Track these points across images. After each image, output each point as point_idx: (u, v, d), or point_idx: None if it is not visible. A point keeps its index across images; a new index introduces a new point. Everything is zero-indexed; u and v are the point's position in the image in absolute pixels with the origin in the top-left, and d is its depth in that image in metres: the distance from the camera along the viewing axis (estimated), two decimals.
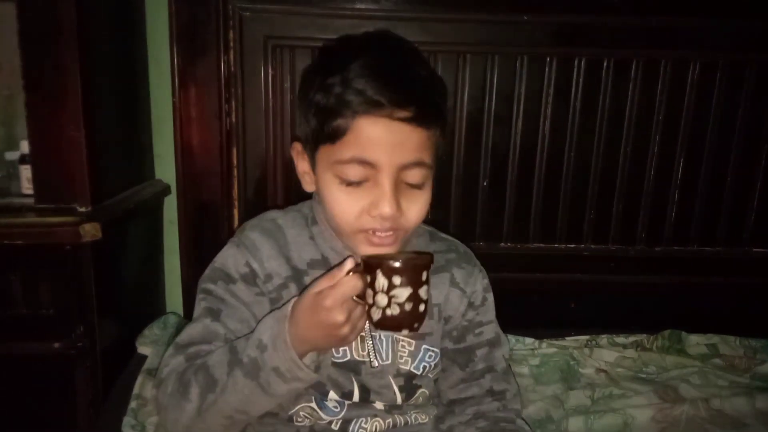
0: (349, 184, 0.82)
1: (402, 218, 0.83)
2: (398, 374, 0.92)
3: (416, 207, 0.85)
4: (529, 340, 1.43)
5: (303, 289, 0.87)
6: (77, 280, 1.12)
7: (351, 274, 0.75)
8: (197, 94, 1.37)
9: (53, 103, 1.10)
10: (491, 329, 1.00)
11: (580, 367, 1.36)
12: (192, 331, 0.88)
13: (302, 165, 0.91)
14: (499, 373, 0.98)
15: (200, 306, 0.90)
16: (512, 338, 1.42)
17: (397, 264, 0.74)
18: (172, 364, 0.86)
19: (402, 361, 0.92)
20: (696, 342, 1.44)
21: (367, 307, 0.76)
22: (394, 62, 0.85)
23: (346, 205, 0.83)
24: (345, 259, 0.77)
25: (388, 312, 0.74)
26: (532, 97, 1.44)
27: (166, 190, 1.49)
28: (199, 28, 1.33)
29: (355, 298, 0.76)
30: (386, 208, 0.80)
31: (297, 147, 0.92)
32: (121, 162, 1.33)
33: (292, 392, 0.81)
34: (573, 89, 1.44)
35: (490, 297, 1.01)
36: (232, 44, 1.36)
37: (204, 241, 1.44)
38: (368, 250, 0.84)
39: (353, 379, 0.91)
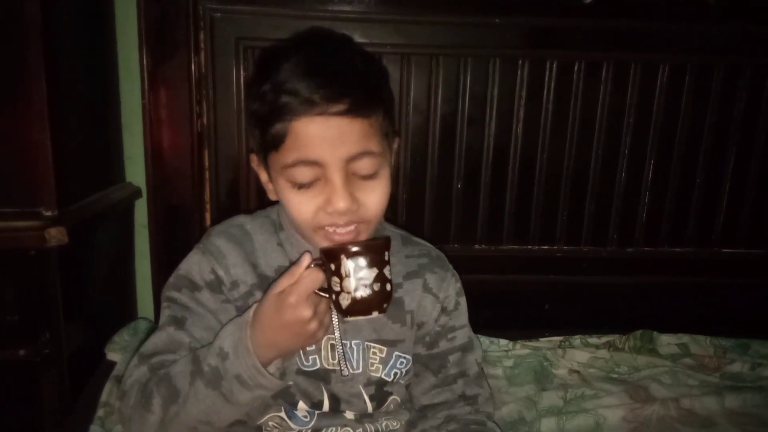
0: (301, 186, 0.81)
1: (361, 209, 0.82)
2: (369, 383, 0.92)
3: (373, 196, 0.83)
4: (503, 342, 1.44)
5: None
6: (42, 285, 1.10)
7: (311, 267, 0.75)
8: (167, 96, 1.35)
9: (17, 104, 1.07)
10: (464, 334, 0.99)
11: (553, 368, 1.36)
12: (156, 340, 0.87)
13: (263, 175, 0.90)
14: (472, 378, 0.98)
15: (164, 314, 0.88)
16: (486, 340, 1.42)
17: (359, 247, 0.75)
18: (136, 374, 0.84)
19: (373, 368, 0.92)
20: (667, 342, 1.46)
21: (334, 297, 0.76)
22: (323, 58, 0.85)
23: (301, 206, 0.82)
24: (301, 255, 0.77)
25: (358, 295, 0.74)
26: (504, 99, 1.44)
27: (137, 193, 1.46)
28: (169, 28, 1.31)
29: (318, 291, 0.76)
30: (340, 203, 0.80)
31: (254, 159, 0.91)
32: (90, 164, 1.31)
33: (256, 400, 0.80)
34: (545, 91, 1.45)
35: (463, 301, 1.01)
36: (202, 45, 1.34)
37: (175, 244, 1.42)
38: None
39: (323, 389, 0.90)
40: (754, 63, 1.47)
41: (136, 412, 0.82)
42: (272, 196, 0.91)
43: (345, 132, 0.79)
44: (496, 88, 1.43)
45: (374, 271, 0.75)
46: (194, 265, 0.89)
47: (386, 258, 0.77)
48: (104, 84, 1.38)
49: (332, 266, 0.75)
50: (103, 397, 1.14)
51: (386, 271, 0.76)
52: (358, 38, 1.36)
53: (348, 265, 0.74)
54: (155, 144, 1.37)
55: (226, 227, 0.93)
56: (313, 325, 0.76)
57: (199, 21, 1.33)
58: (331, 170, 0.80)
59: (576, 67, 1.44)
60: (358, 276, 0.74)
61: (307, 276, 0.75)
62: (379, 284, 0.75)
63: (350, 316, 0.76)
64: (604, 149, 1.49)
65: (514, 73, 1.43)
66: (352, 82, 0.81)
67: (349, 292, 0.74)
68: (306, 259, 0.76)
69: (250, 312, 0.79)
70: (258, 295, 0.88)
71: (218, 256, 0.88)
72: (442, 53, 1.41)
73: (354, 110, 0.79)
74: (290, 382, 0.87)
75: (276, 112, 0.80)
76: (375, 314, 0.76)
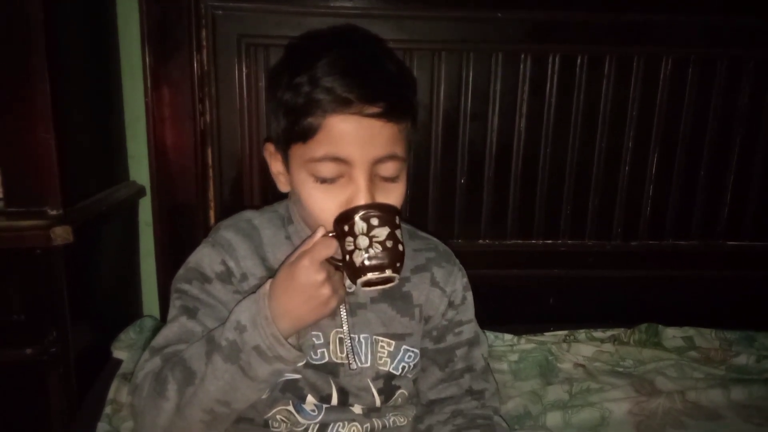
0: (324, 181, 0.82)
1: None
2: (377, 376, 0.92)
3: (392, 200, 0.84)
4: (508, 337, 1.44)
5: None
6: (49, 284, 1.10)
7: (325, 237, 0.77)
8: (170, 94, 1.35)
9: (22, 104, 1.07)
10: (471, 328, 1.00)
11: (558, 362, 1.36)
12: (167, 332, 0.87)
13: (276, 165, 0.90)
14: (478, 373, 0.98)
15: (175, 306, 0.88)
16: (491, 335, 1.42)
17: (371, 207, 0.77)
18: (148, 367, 0.84)
19: (381, 362, 0.92)
20: (672, 335, 1.46)
21: (348, 258, 0.76)
22: (362, 58, 0.85)
23: (322, 203, 0.82)
24: (316, 230, 0.78)
25: (372, 252, 0.75)
26: (507, 93, 1.44)
27: (141, 191, 1.47)
28: (171, 27, 1.32)
29: (332, 261, 0.77)
30: (362, 203, 0.80)
31: (269, 148, 0.91)
32: (94, 163, 1.31)
33: (274, 375, 0.80)
34: (548, 85, 1.45)
35: (470, 296, 1.01)
36: (204, 43, 1.34)
37: (180, 242, 1.42)
38: None
39: (331, 382, 0.90)
40: (757, 55, 1.46)
41: (149, 402, 0.81)
42: (282, 188, 0.91)
43: (376, 134, 0.80)
44: (499, 83, 1.43)
45: (386, 229, 0.76)
46: (204, 257, 0.89)
47: (397, 221, 0.78)
48: (107, 83, 1.38)
49: (345, 227, 0.76)
50: (110, 394, 1.14)
51: (398, 232, 0.77)
52: None
53: (360, 223, 0.75)
54: (159, 142, 1.38)
55: (234, 221, 0.94)
56: (326, 290, 0.77)
57: (201, 19, 1.33)
58: (357, 170, 0.80)
59: (579, 61, 1.44)
60: (371, 233, 0.75)
61: (320, 243, 0.76)
62: (391, 242, 0.76)
63: (364, 274, 0.76)
64: (607, 143, 1.49)
65: (516, 67, 1.43)
66: (387, 86, 0.83)
67: (361, 249, 0.75)
68: (320, 231, 0.78)
69: (266, 285, 0.79)
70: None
71: (228, 249, 0.89)
72: (445, 48, 1.41)
73: (387, 114, 0.80)
74: (302, 363, 0.85)
75: (310, 105, 0.80)
76: (388, 273, 0.76)
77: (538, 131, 1.47)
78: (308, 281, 0.76)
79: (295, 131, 0.82)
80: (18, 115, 1.08)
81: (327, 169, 0.81)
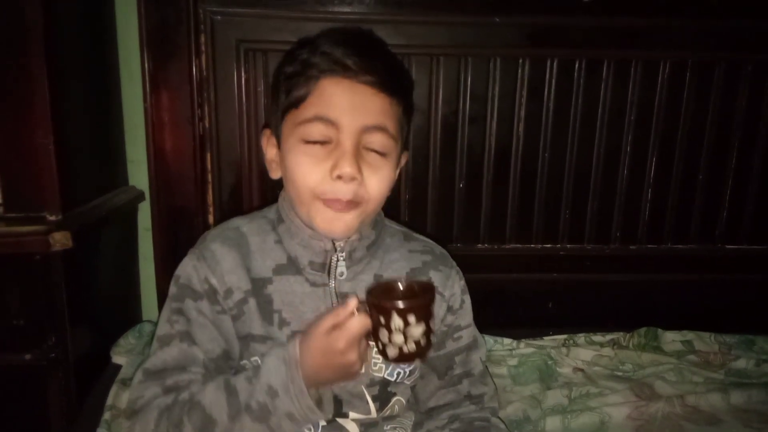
0: (312, 143, 0.83)
1: (363, 186, 0.84)
2: (372, 383, 0.92)
3: (377, 176, 0.85)
4: (507, 341, 1.44)
5: (264, 302, 0.88)
6: (48, 289, 1.10)
7: (358, 312, 0.76)
8: (169, 99, 1.35)
9: (20, 109, 1.08)
10: (469, 333, 1.00)
11: (557, 366, 1.36)
12: (165, 356, 0.86)
13: (270, 151, 0.92)
14: (477, 377, 0.98)
15: (171, 327, 0.88)
16: (490, 339, 1.42)
17: (411, 304, 0.75)
18: (148, 395, 0.84)
19: (376, 368, 0.92)
20: (671, 339, 1.46)
21: (380, 346, 0.77)
22: (361, 35, 0.91)
23: (308, 167, 0.84)
24: (349, 299, 0.78)
25: (405, 349, 0.76)
26: (505, 98, 1.44)
27: (140, 196, 1.47)
28: (170, 32, 1.32)
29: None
30: (346, 167, 0.81)
31: (266, 132, 0.93)
32: (93, 168, 1.31)
33: (299, 428, 0.82)
34: (546, 90, 1.45)
35: (468, 299, 1.01)
36: (203, 48, 1.34)
37: (179, 247, 1.41)
38: (325, 222, 0.85)
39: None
40: (755, 59, 1.46)
41: None
42: (274, 175, 0.92)
43: (368, 101, 0.83)
44: (497, 87, 1.44)
45: (422, 326, 0.76)
46: (192, 271, 0.89)
47: (433, 311, 0.78)
48: (106, 88, 1.38)
49: (381, 318, 0.75)
50: (109, 400, 1.14)
51: (432, 323, 0.77)
52: None
53: (398, 321, 0.75)
54: (158, 147, 1.37)
55: (221, 231, 0.94)
56: (357, 365, 0.79)
57: (200, 24, 1.33)
58: (345, 135, 0.82)
59: (577, 65, 1.44)
60: (407, 332, 0.75)
61: (356, 324, 0.76)
62: (425, 338, 0.76)
63: (394, 363, 0.79)
64: (606, 147, 1.49)
65: (514, 71, 1.43)
66: (383, 60, 0.86)
67: (396, 345, 0.75)
68: (352, 303, 0.77)
69: (296, 348, 0.79)
70: (251, 302, 0.88)
71: (212, 263, 0.88)
72: (443, 53, 1.41)
73: (380, 84, 0.83)
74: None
75: (307, 67, 0.84)
76: (417, 362, 0.78)
77: (536, 135, 1.47)
78: (343, 362, 0.77)
79: (291, 98, 0.85)
80: (17, 120, 1.08)
81: (316, 130, 0.83)
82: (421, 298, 0.77)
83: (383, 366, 0.92)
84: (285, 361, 0.79)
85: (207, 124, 1.38)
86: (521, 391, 1.27)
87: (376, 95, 0.83)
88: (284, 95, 0.87)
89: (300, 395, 0.77)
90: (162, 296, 1.46)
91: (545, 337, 1.46)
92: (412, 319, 0.75)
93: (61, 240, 1.07)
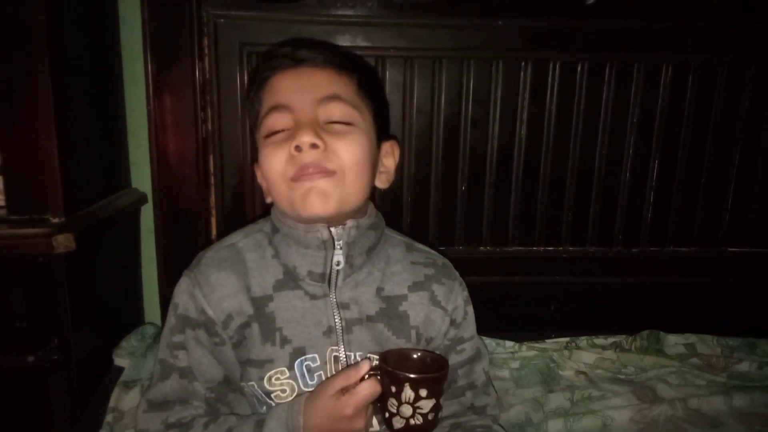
0: (273, 134, 0.85)
1: (331, 155, 0.82)
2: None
3: (345, 142, 0.84)
4: (509, 344, 1.43)
5: (267, 321, 0.86)
6: (51, 292, 1.10)
7: (367, 377, 0.76)
8: (172, 102, 1.35)
9: (24, 112, 1.08)
10: (472, 345, 0.98)
11: (559, 369, 1.36)
12: (166, 389, 0.86)
13: (260, 176, 0.92)
14: (480, 388, 0.97)
15: (174, 360, 0.87)
16: (492, 342, 1.42)
17: (424, 378, 0.74)
18: (152, 429, 0.85)
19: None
20: (674, 342, 1.46)
21: (387, 415, 0.76)
22: (310, 39, 0.96)
23: (273, 155, 0.84)
24: (361, 361, 0.77)
25: (412, 422, 0.75)
26: (508, 101, 1.44)
27: (143, 198, 1.47)
28: (173, 35, 1.32)
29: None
30: (303, 136, 0.81)
31: (256, 165, 0.93)
32: (96, 171, 1.32)
33: None
34: (548, 92, 1.45)
35: (471, 310, 0.99)
36: (206, 51, 1.35)
37: (182, 249, 1.42)
38: (304, 198, 0.82)
39: None
40: (757, 61, 1.46)
41: None
42: (267, 199, 0.92)
43: (314, 78, 0.86)
44: (500, 90, 1.44)
45: (432, 402, 0.75)
46: (188, 300, 0.88)
47: (444, 387, 0.77)
48: (109, 91, 1.39)
49: (392, 388, 0.74)
50: (112, 402, 1.14)
51: (441, 399, 0.77)
52: (361, 42, 1.37)
53: (409, 393, 0.74)
54: (161, 150, 1.38)
55: (216, 252, 0.92)
56: (363, 430, 0.78)
57: (203, 27, 1.34)
58: (299, 113, 0.83)
59: (579, 68, 1.44)
60: (416, 405, 0.74)
61: (365, 389, 0.75)
62: (433, 414, 0.75)
63: None
64: (608, 149, 1.49)
65: (517, 74, 1.43)
66: (326, 48, 0.91)
67: (404, 417, 0.74)
68: (364, 367, 0.76)
69: (300, 416, 0.78)
70: (255, 327, 0.87)
71: (207, 291, 0.87)
72: (445, 56, 1.41)
73: (324, 62, 0.87)
74: None
75: (261, 76, 0.88)
76: None
77: (538, 138, 1.47)
78: (348, 428, 0.76)
79: (253, 113, 0.89)
80: (20, 123, 1.09)
81: (273, 121, 0.84)
82: (436, 374, 0.76)
83: None
84: (287, 426, 0.79)
85: (210, 127, 1.39)
86: (523, 394, 1.27)
87: (322, 71, 0.86)
88: (251, 118, 0.91)
89: None
90: (165, 298, 1.46)
91: (547, 340, 1.46)
92: (423, 392, 0.74)
93: (64, 242, 1.08)
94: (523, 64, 1.43)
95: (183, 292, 0.89)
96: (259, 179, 0.92)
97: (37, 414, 1.14)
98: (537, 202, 1.51)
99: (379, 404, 0.77)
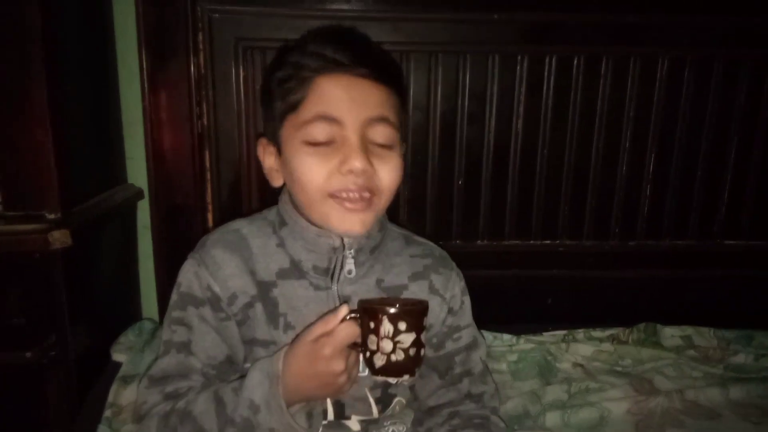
0: (317, 144, 0.81)
1: (375, 178, 0.82)
2: (374, 386, 0.92)
3: (388, 167, 0.83)
4: (507, 337, 1.44)
5: (271, 305, 0.86)
6: (47, 288, 1.10)
7: (347, 320, 0.75)
8: (167, 97, 1.35)
9: (19, 107, 1.07)
10: (469, 333, 0.99)
11: (557, 362, 1.36)
12: (165, 365, 0.87)
13: (269, 161, 0.90)
14: (477, 376, 0.98)
15: (172, 335, 0.88)
16: (490, 335, 1.43)
17: (401, 310, 0.74)
18: (150, 401, 0.85)
19: None
20: (671, 334, 1.46)
21: (368, 354, 0.75)
22: (347, 32, 0.92)
23: (315, 167, 0.81)
24: (339, 306, 0.76)
25: (393, 358, 0.74)
26: (504, 95, 1.44)
27: (139, 194, 1.47)
28: (168, 30, 1.32)
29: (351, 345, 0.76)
30: (356, 161, 0.79)
31: (262, 142, 0.91)
32: (92, 166, 1.31)
33: None
34: (544, 87, 1.45)
35: (467, 300, 1.01)
36: (201, 46, 1.34)
37: (178, 245, 1.41)
38: (341, 220, 0.82)
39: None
40: (754, 55, 1.46)
41: None
42: (275, 182, 0.90)
43: (366, 94, 0.81)
44: (496, 84, 1.44)
45: (412, 336, 0.74)
46: (193, 278, 0.88)
47: (425, 324, 0.76)
48: (105, 86, 1.38)
49: (371, 324, 0.74)
50: (110, 397, 1.14)
51: (422, 336, 0.76)
52: None
53: (388, 326, 0.73)
54: (156, 145, 1.38)
55: (221, 234, 0.92)
56: (343, 378, 0.77)
57: (198, 22, 1.33)
58: (350, 130, 0.80)
59: (575, 62, 1.44)
60: (396, 339, 0.73)
61: (343, 329, 0.75)
62: (414, 349, 0.75)
63: (380, 375, 0.76)
64: (604, 143, 1.49)
65: (513, 68, 1.43)
66: (375, 52, 0.86)
67: (385, 353, 0.74)
68: (343, 311, 0.76)
69: (279, 361, 0.78)
70: (258, 306, 0.87)
71: (214, 269, 0.87)
72: (441, 50, 1.41)
73: (376, 75, 0.82)
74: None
75: (299, 69, 0.82)
76: (405, 377, 0.76)
77: (535, 132, 1.47)
78: (327, 371, 0.75)
79: (288, 102, 0.83)
80: (16, 119, 1.08)
81: (318, 131, 0.81)
82: (413, 307, 0.76)
83: None
84: (268, 375, 0.78)
85: (206, 122, 1.39)
86: (521, 386, 1.27)
87: (374, 87, 0.82)
88: (280, 101, 0.85)
89: (280, 412, 0.76)
90: (162, 293, 1.46)
91: (545, 333, 1.46)
92: (402, 326, 0.73)
93: (60, 238, 1.07)
94: (519, 58, 1.43)
95: (188, 272, 0.89)
96: (267, 165, 0.91)
97: (35, 410, 1.14)
98: (534, 196, 1.51)
99: (361, 348, 0.76)
